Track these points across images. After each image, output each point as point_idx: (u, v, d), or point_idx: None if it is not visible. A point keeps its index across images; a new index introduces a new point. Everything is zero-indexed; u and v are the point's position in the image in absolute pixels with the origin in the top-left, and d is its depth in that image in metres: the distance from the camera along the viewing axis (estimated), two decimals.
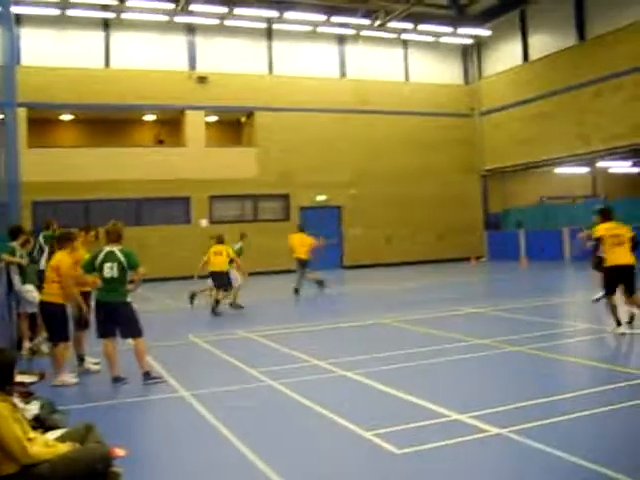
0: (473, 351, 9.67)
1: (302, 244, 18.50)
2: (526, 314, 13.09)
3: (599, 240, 11.00)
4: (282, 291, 19.28)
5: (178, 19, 25.62)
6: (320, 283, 18.50)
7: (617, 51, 24.21)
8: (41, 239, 13.02)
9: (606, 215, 11.05)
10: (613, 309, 10.68)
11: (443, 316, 13.44)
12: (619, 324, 10.60)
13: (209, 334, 12.24)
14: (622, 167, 28.81)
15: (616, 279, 10.74)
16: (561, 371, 8.69)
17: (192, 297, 16.67)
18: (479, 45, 31.32)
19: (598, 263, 12.05)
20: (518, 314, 13.15)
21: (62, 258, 8.92)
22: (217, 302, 15.36)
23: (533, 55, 28.64)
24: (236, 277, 16.12)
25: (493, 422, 6.21)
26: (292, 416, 6.97)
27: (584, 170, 30.37)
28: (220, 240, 15.97)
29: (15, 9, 21.24)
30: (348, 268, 28.06)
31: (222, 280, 15.53)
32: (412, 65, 30.83)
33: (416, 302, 15.92)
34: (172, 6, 24.56)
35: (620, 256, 10.73)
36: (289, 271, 26.05)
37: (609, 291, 10.78)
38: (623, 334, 10.47)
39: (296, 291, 17.94)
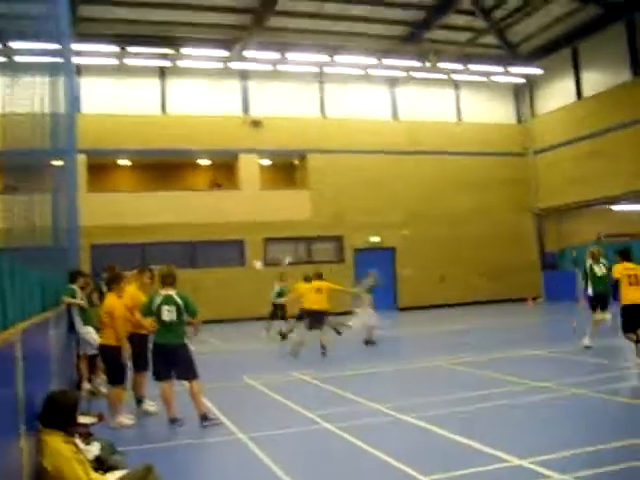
0: (531, 394, 9.44)
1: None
2: (587, 355, 12.75)
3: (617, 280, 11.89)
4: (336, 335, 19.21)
5: (232, 65, 26.23)
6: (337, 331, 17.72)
7: None
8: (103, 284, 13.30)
9: (625, 256, 12.14)
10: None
11: (499, 357, 13.19)
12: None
13: (264, 376, 12.23)
14: None
15: (631, 317, 11.57)
16: (624, 413, 8.41)
17: (283, 336, 16.85)
18: (531, 83, 31.19)
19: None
20: (578, 355, 12.81)
21: (113, 302, 9.11)
22: (323, 347, 14.81)
23: (586, 92, 28.37)
24: (371, 314, 16.29)
25: (554, 467, 6.03)
26: (348, 459, 6.88)
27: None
28: (320, 276, 15.46)
29: (76, 59, 22.02)
30: (402, 310, 27.85)
31: (321, 320, 14.99)
32: (464, 105, 30.88)
33: (472, 344, 15.65)
34: (226, 53, 25.18)
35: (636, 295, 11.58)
36: (345, 313, 26.06)
37: (626, 329, 11.69)
38: None
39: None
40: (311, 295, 15.03)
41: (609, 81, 27.15)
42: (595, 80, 27.95)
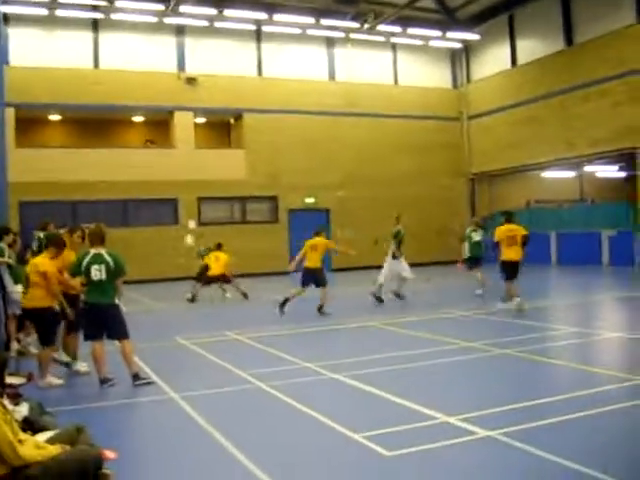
0: (461, 354, 9.71)
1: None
2: (512, 317, 13.16)
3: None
4: (272, 293, 19.27)
5: (167, 20, 25.55)
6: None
7: (604, 56, 24.37)
8: (42, 239, 13.05)
9: (508, 219, 14.33)
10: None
11: (428, 319, 13.49)
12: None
13: (197, 336, 12.21)
14: (608, 171, 28.97)
15: (509, 269, 13.88)
16: (548, 374, 8.73)
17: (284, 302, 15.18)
18: (468, 49, 31.46)
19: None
20: (506, 317, 13.20)
21: (44, 261, 8.91)
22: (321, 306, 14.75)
23: (521, 59, 28.79)
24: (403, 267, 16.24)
25: (481, 424, 6.24)
26: (281, 418, 6.98)
27: (571, 174, 30.53)
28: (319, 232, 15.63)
29: (3, 8, 21.14)
30: (335, 271, 28.05)
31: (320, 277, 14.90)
32: (401, 68, 30.93)
33: (401, 305, 15.94)
34: (162, 7, 24.50)
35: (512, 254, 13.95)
36: (277, 273, 26.11)
37: (508, 277, 13.97)
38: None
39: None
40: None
41: (544, 49, 27.57)
42: (530, 47, 28.36)
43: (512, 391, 7.64)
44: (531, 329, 11.69)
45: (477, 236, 17.12)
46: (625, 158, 24.52)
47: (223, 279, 18.24)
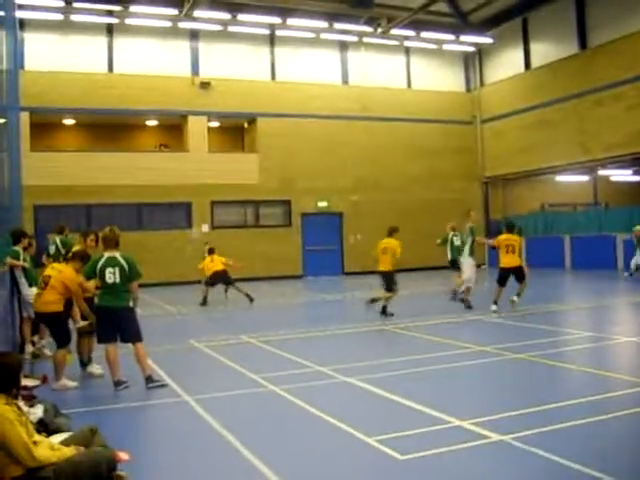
0: (474, 358, 9.69)
1: None
2: (526, 321, 13.11)
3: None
4: (285, 297, 19.32)
5: (182, 25, 25.74)
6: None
7: (618, 60, 24.31)
8: (58, 243, 13.19)
9: (509, 229, 15.18)
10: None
11: (442, 323, 13.45)
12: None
13: (210, 339, 12.24)
14: (622, 175, 28.86)
15: (504, 275, 14.70)
16: (561, 378, 8.69)
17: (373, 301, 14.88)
18: (481, 53, 31.43)
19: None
20: (519, 322, 13.16)
21: (71, 274, 8.95)
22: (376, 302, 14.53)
23: (535, 63, 28.74)
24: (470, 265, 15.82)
25: (494, 429, 6.22)
26: (295, 421, 6.98)
27: (585, 178, 30.43)
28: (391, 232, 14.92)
29: (19, 14, 21.30)
30: (349, 274, 28.06)
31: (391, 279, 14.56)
32: (414, 72, 30.93)
33: (416, 309, 15.91)
34: (175, 12, 24.67)
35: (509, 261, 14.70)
36: (289, 277, 26.14)
37: (500, 283, 14.72)
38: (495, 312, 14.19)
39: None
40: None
41: (557, 53, 27.53)
42: (544, 51, 28.30)
43: (525, 395, 7.60)
44: (544, 333, 11.64)
45: (457, 240, 17.40)
46: (639, 162, 24.41)
47: (224, 277, 18.36)
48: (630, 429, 6.34)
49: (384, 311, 14.37)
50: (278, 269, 26.52)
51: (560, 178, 29.63)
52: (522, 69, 29.36)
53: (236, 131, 29.66)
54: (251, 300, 17.99)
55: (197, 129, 27.02)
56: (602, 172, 28.35)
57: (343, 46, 29.44)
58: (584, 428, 6.24)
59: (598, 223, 26.33)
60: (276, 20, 26.10)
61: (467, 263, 15.98)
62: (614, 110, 24.43)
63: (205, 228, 26.47)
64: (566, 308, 15.95)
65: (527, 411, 6.79)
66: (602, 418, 6.49)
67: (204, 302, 18.00)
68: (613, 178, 29.40)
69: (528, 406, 6.93)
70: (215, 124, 28.29)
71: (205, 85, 26.71)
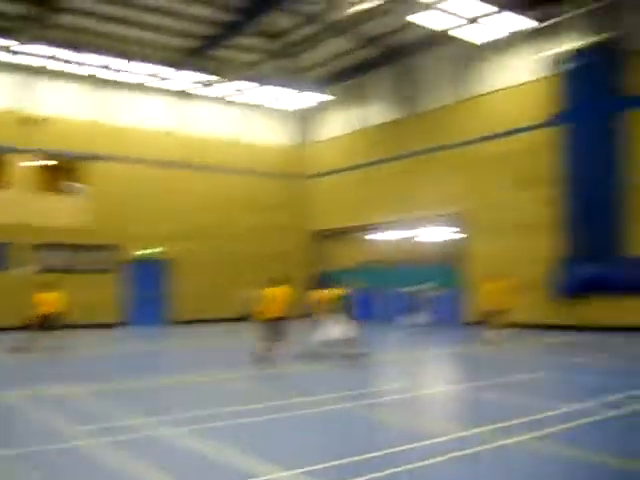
0: (298, 408, 9.86)
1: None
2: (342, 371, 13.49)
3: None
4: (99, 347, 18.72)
5: (6, 57, 24.61)
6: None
7: (443, 125, 26.49)
8: None
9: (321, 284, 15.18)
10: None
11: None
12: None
13: (14, 391, 11.61)
14: (435, 235, 30.30)
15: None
16: (375, 428, 9.02)
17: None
18: (313, 110, 32.50)
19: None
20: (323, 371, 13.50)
21: None
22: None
23: (362, 124, 30.32)
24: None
25: (320, 476, 6.35)
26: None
27: (403, 235, 31.79)
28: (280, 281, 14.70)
29: None
30: (177, 323, 27.56)
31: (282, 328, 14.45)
32: (244, 125, 31.59)
33: (227, 362, 15.93)
34: (6, 43, 23.53)
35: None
36: (114, 325, 25.30)
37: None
38: None
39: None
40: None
41: (382, 116, 29.28)
42: (370, 114, 29.95)
43: (338, 444, 7.77)
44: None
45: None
46: (455, 221, 26.23)
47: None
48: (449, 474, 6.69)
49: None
50: (99, 316, 25.67)
51: (376, 237, 30.75)
52: (350, 129, 30.89)
53: (62, 171, 28.48)
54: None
55: (21, 167, 25.77)
56: (419, 231, 29.80)
57: (180, 94, 29.54)
58: (400, 476, 6.52)
59: (411, 279, 27.14)
60: (109, 62, 25.51)
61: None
62: (437, 172, 26.39)
63: (29, 270, 24.90)
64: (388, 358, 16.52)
65: (353, 459, 6.98)
66: (420, 465, 6.81)
67: (20, 350, 17.08)
68: (426, 238, 30.76)
69: (354, 455, 7.13)
70: (40, 162, 26.97)
71: (31, 121, 25.62)
